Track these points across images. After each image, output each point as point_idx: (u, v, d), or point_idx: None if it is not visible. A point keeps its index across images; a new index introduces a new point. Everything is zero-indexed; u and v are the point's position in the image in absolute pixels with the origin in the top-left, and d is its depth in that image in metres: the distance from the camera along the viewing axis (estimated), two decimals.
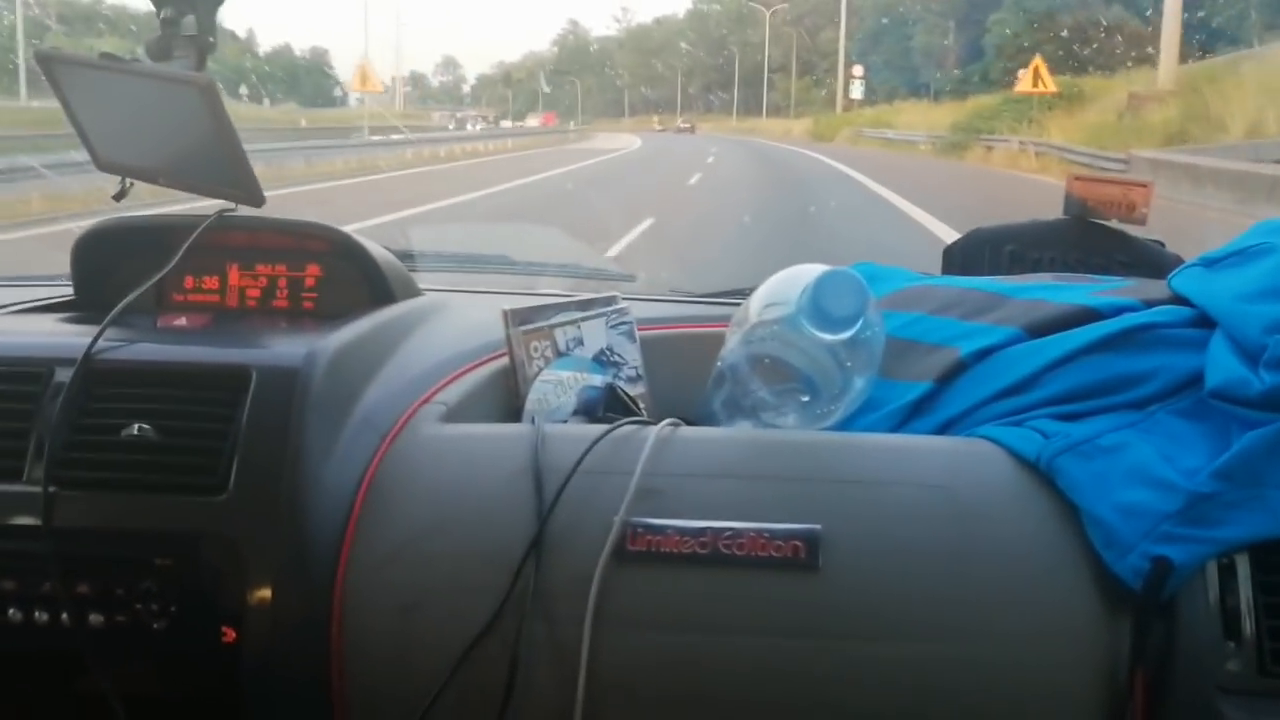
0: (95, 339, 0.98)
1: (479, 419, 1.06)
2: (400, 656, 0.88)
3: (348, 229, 1.23)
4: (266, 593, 0.88)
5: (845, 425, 1.01)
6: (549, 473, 0.91)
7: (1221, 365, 0.88)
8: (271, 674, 0.88)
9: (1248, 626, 0.82)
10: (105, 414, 0.94)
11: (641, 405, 1.19)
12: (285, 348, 1.00)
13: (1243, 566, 0.83)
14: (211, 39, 1.21)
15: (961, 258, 1.39)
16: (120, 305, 1.05)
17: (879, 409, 1.03)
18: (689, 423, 1.14)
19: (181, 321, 1.15)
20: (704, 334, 1.28)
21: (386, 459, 0.95)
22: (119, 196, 1.25)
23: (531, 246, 1.96)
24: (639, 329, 1.25)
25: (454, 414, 1.03)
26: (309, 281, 1.21)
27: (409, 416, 1.00)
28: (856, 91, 51.41)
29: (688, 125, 79.99)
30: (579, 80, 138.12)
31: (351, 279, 1.21)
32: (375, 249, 1.23)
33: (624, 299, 1.30)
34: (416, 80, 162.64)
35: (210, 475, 0.91)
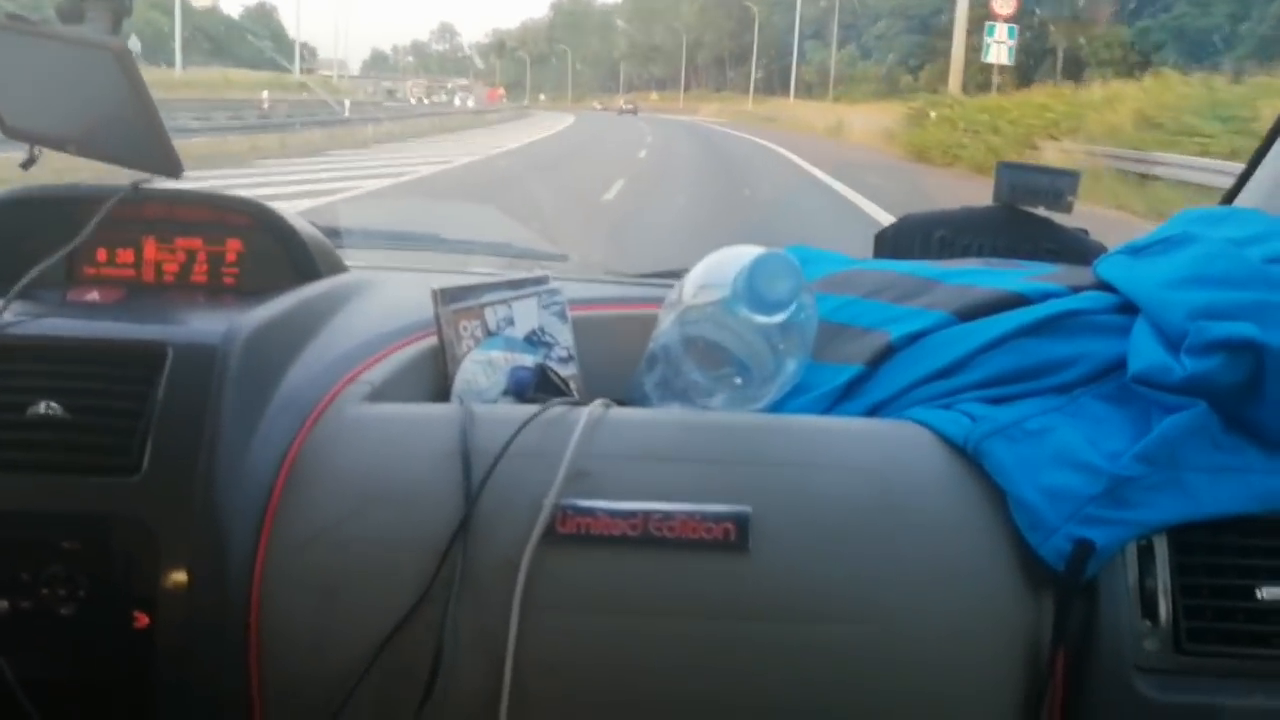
0: None
1: (406, 399, 1.04)
2: (320, 643, 0.86)
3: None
4: (181, 577, 0.85)
5: (777, 407, 1.01)
6: (477, 454, 0.89)
7: (1144, 351, 0.90)
8: (185, 660, 0.86)
9: (1164, 607, 0.83)
10: (11, 390, 0.90)
11: (573, 386, 1.18)
12: (203, 324, 0.97)
13: (1161, 548, 0.85)
14: (128, 2, 1.16)
15: (893, 243, 1.40)
16: (26, 277, 1.01)
17: (810, 391, 1.04)
18: (621, 404, 1.13)
19: (93, 296, 1.11)
20: (637, 315, 1.28)
21: (309, 440, 0.93)
22: (26, 165, 1.19)
23: (464, 225, 1.92)
24: (571, 309, 1.24)
25: (380, 394, 1.00)
26: (230, 256, 1.17)
27: (333, 396, 0.98)
28: (1001, 57, 25.71)
29: (630, 107, 74.96)
30: (570, 50, 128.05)
31: (274, 254, 1.17)
32: (300, 223, 1.20)
33: (557, 279, 1.29)
34: (418, 48, 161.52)
35: (123, 456, 0.87)
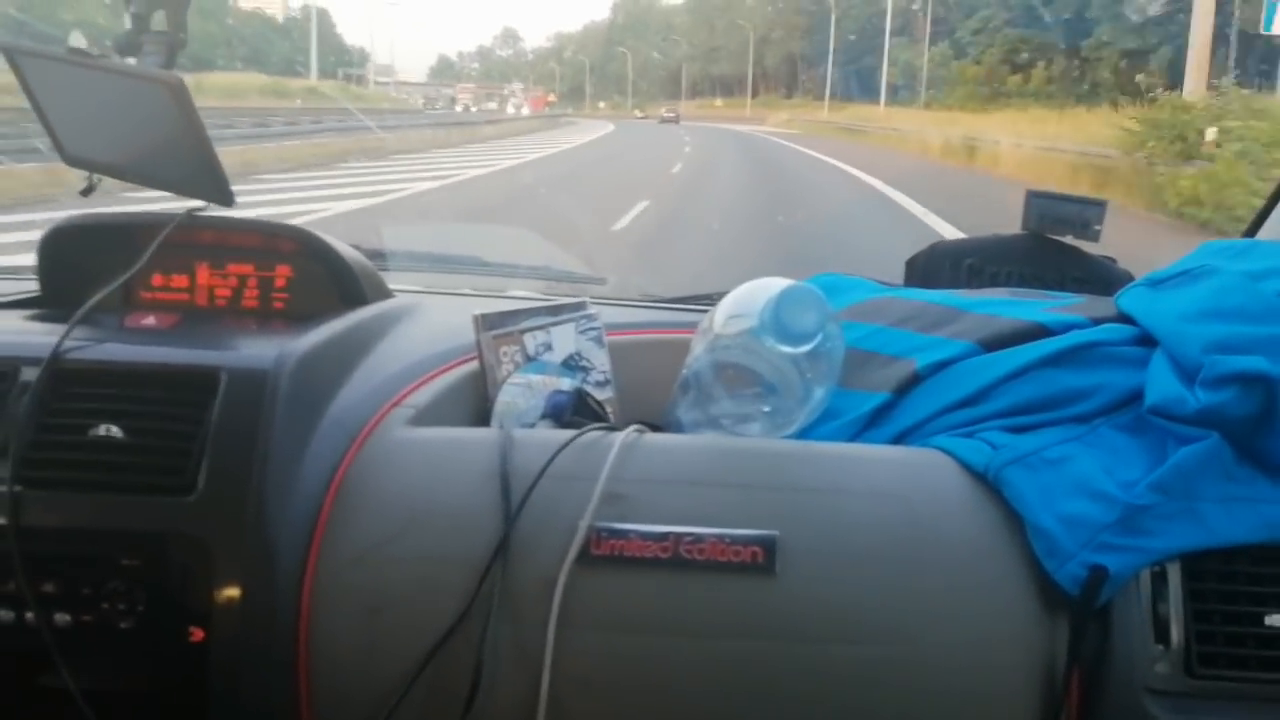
0: (63, 338, 0.99)
1: (448, 422, 1.08)
2: (367, 658, 0.90)
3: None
4: (234, 593, 0.90)
5: (805, 434, 1.04)
6: (516, 477, 0.93)
7: (1160, 383, 0.92)
8: (238, 674, 0.90)
9: (1176, 632, 0.86)
10: (72, 414, 0.95)
11: (609, 410, 1.22)
12: (255, 349, 1.02)
13: (1174, 575, 0.87)
14: (182, 35, 1.21)
15: (923, 270, 1.43)
16: (88, 304, 1.06)
17: (838, 418, 1.07)
18: (655, 428, 1.17)
19: (150, 320, 1.16)
20: (671, 340, 1.31)
21: (356, 461, 0.97)
22: (86, 192, 1.25)
23: (503, 247, 1.97)
24: (608, 334, 1.28)
25: (423, 417, 1.05)
26: (279, 282, 1.23)
27: (379, 419, 1.02)
28: None
29: (671, 115, 69.86)
30: (631, 53, 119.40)
31: (322, 280, 1.22)
32: (345, 250, 1.25)
33: (594, 303, 1.33)
34: (483, 54, 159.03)
35: (178, 476, 0.92)
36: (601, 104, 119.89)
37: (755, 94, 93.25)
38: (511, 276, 1.78)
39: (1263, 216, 1.16)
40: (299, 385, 0.98)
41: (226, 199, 1.18)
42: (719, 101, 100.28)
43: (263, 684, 0.90)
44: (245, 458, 0.92)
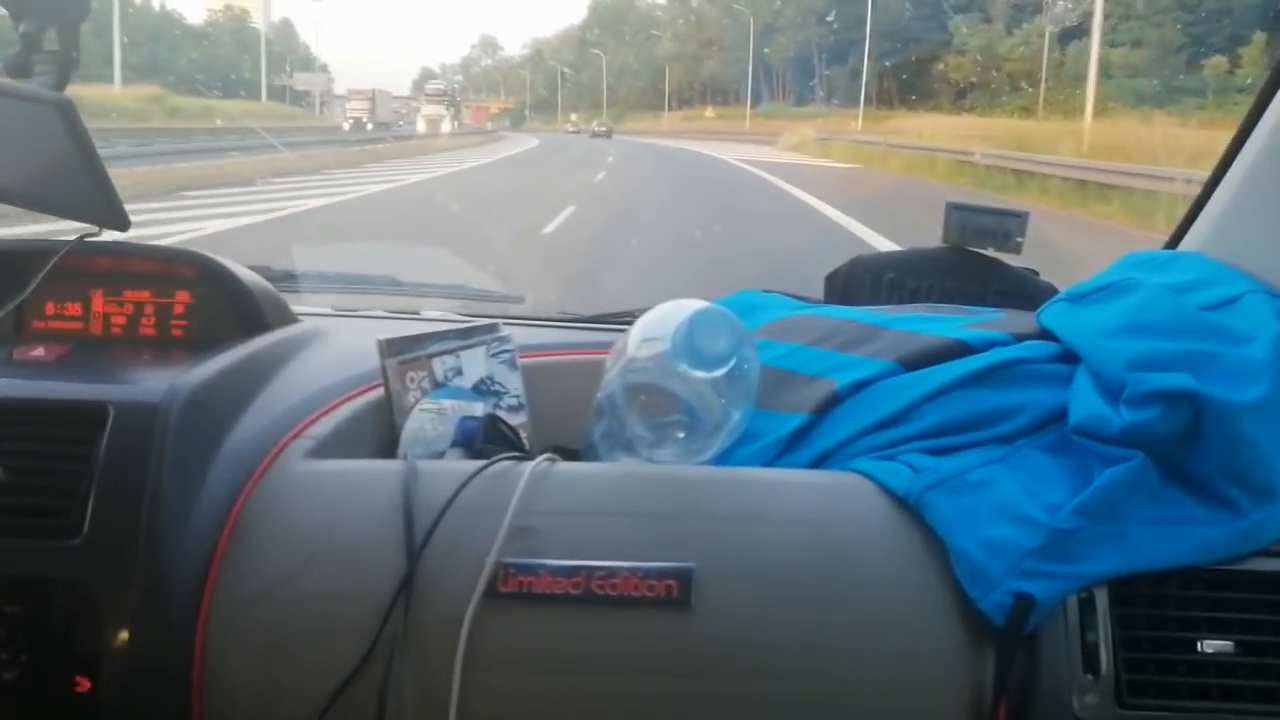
0: None
1: (352, 453, 1.03)
2: (265, 703, 0.85)
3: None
4: (123, 640, 0.84)
5: (725, 457, 1.01)
6: (421, 510, 0.89)
7: (1084, 401, 0.90)
8: None
9: (1105, 660, 0.83)
10: None
11: (523, 435, 1.17)
12: (146, 381, 0.96)
13: (1101, 600, 0.85)
14: (75, 54, 1.16)
15: (843, 285, 1.41)
16: None
17: (758, 440, 1.03)
18: (572, 452, 1.12)
19: (39, 352, 1.09)
20: (589, 360, 1.27)
21: (253, 497, 0.92)
22: None
23: (418, 267, 1.91)
24: (522, 356, 1.24)
25: (325, 449, 1.00)
26: (178, 309, 1.17)
27: (277, 452, 0.97)
28: None
29: (603, 129, 63.06)
30: (607, 57, 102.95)
31: (222, 306, 1.17)
32: (247, 275, 1.19)
33: (510, 323, 1.28)
34: (467, 65, 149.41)
35: (63, 517, 0.87)
36: (573, 116, 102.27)
37: (757, 101, 73.38)
38: (426, 296, 1.73)
39: (1184, 228, 1.15)
40: (192, 419, 0.93)
41: (122, 223, 1.13)
42: (710, 112, 78.81)
43: None
44: (134, 497, 0.87)
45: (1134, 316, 0.94)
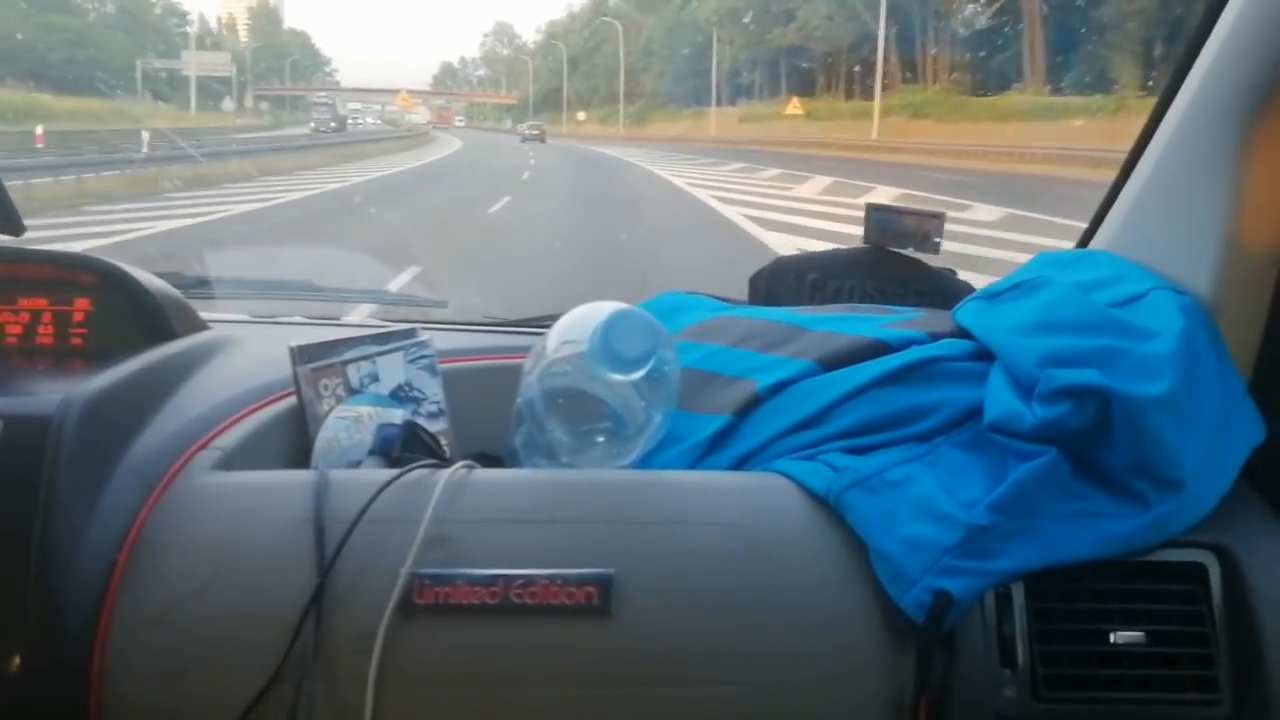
0: None
1: (263, 465, 1.00)
2: None
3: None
4: (13, 667, 0.81)
5: (647, 460, 1.00)
6: (332, 523, 0.86)
7: (998, 398, 0.91)
8: None
9: (1022, 654, 0.84)
10: None
11: (444, 442, 1.15)
12: (39, 393, 0.92)
13: (1018, 595, 0.85)
14: None
15: (767, 286, 1.41)
16: None
17: (680, 443, 1.03)
18: (495, 458, 1.11)
19: None
20: (511, 365, 1.25)
21: (155, 512, 0.89)
22: None
23: (339, 272, 1.88)
24: (443, 361, 1.21)
25: (233, 460, 0.97)
26: (77, 317, 1.12)
27: (181, 465, 0.93)
28: None
29: (534, 132, 54.86)
30: (625, 31, 79.36)
31: (125, 314, 1.12)
32: (151, 281, 1.15)
33: (431, 328, 1.26)
34: (488, 58, 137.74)
35: None
36: (581, 115, 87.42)
37: (849, 89, 48.55)
38: (347, 302, 1.69)
39: (1094, 227, 1.17)
40: (88, 431, 0.89)
41: (16, 228, 1.08)
42: (796, 103, 47.73)
43: None
44: (26, 514, 0.83)
45: (1045, 314, 0.95)
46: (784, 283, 1.40)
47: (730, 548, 0.87)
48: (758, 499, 0.91)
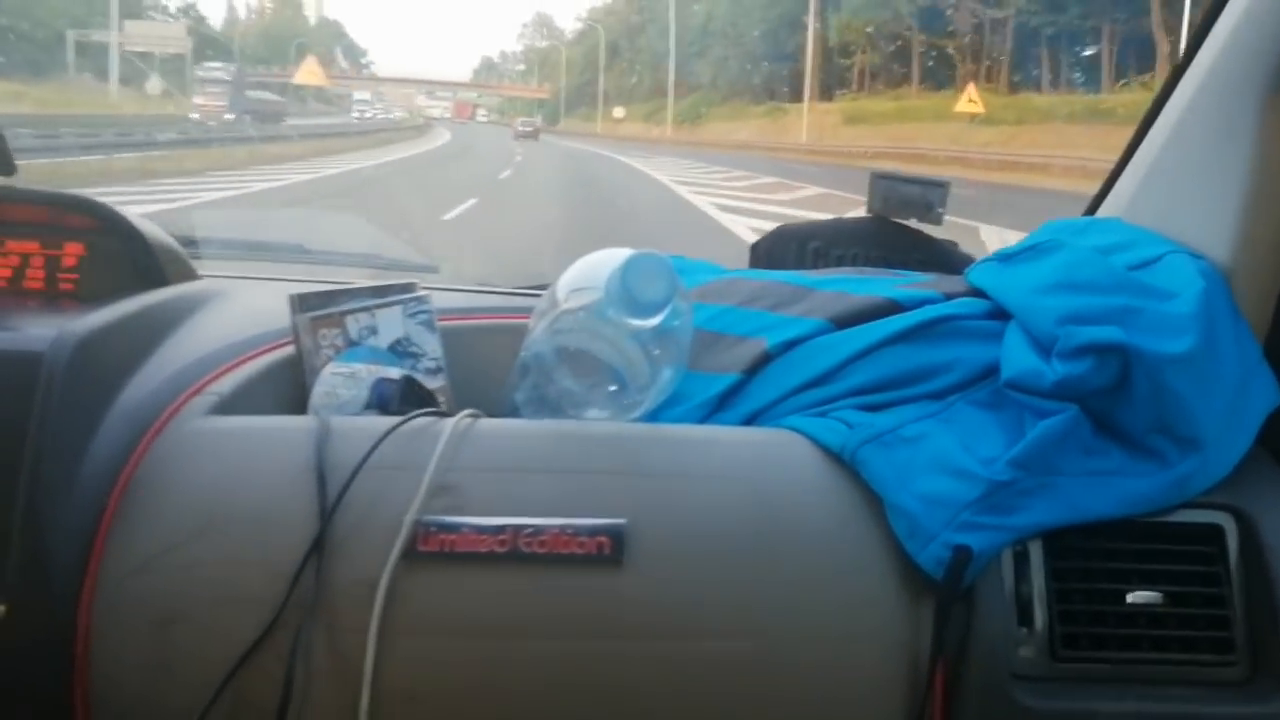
0: None
1: (260, 412, 0.97)
2: (157, 678, 0.79)
3: None
4: None
5: (653, 417, 0.98)
6: (333, 469, 0.84)
7: (1016, 356, 0.89)
8: (5, 698, 0.78)
9: (1040, 614, 0.83)
10: None
11: (441, 399, 1.13)
12: (30, 330, 0.89)
13: (1036, 554, 0.84)
14: None
15: (767, 253, 1.39)
16: None
17: (687, 401, 1.01)
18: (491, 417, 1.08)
19: None
20: (508, 325, 1.23)
21: (147, 456, 0.86)
22: None
23: (329, 235, 1.84)
24: (440, 319, 1.19)
25: (228, 406, 0.94)
26: (68, 261, 1.09)
27: (176, 409, 0.91)
28: None
29: (528, 128, 50.64)
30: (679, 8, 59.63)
31: (119, 260, 1.09)
32: (148, 227, 1.12)
33: (426, 288, 1.23)
34: (529, 51, 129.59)
35: None
36: (619, 111, 70.95)
37: (984, 80, 37.30)
38: (336, 264, 1.66)
39: (1102, 195, 1.17)
40: (81, 371, 0.86)
41: (7, 168, 1.04)
42: (972, 94, 29.92)
43: (36, 710, 0.79)
44: (15, 452, 0.80)
45: (1063, 274, 0.94)
46: (785, 251, 1.38)
47: (743, 502, 0.85)
48: (770, 454, 0.89)
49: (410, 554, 0.80)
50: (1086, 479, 0.84)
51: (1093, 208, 1.18)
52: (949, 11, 40.59)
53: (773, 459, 0.89)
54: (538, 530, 0.81)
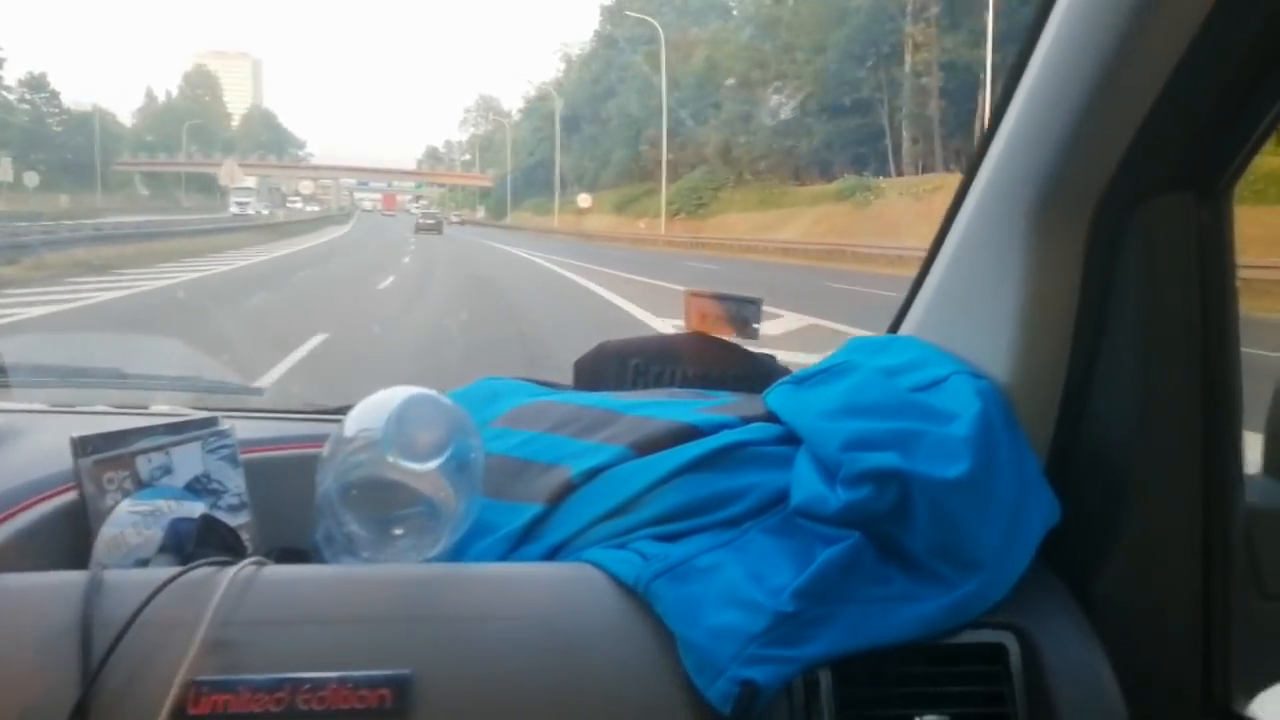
0: None
1: (37, 565, 0.92)
2: None
3: None
4: None
5: (458, 552, 0.96)
6: (101, 627, 0.79)
7: (804, 482, 0.91)
8: None
9: None
10: None
11: (245, 537, 1.09)
12: None
13: (825, 681, 0.84)
14: None
15: (590, 370, 1.40)
16: None
17: (493, 533, 1.00)
18: (303, 553, 1.05)
19: None
20: (320, 454, 1.20)
21: None
22: None
23: (148, 359, 1.79)
24: (247, 451, 1.15)
25: (1, 561, 0.89)
26: None
27: None
28: None
29: (429, 221, 45.98)
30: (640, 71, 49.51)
31: None
32: None
33: (241, 415, 1.20)
34: (475, 140, 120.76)
35: None
36: (584, 199, 56.15)
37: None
38: (155, 390, 1.60)
39: (903, 313, 1.21)
40: None
41: None
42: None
43: None
44: None
45: (849, 398, 0.97)
46: (607, 368, 1.39)
47: (537, 642, 0.84)
48: (567, 590, 0.89)
49: (180, 717, 0.76)
50: (871, 605, 0.85)
51: (894, 325, 1.22)
52: None
53: (568, 595, 0.88)
54: (316, 685, 0.78)
